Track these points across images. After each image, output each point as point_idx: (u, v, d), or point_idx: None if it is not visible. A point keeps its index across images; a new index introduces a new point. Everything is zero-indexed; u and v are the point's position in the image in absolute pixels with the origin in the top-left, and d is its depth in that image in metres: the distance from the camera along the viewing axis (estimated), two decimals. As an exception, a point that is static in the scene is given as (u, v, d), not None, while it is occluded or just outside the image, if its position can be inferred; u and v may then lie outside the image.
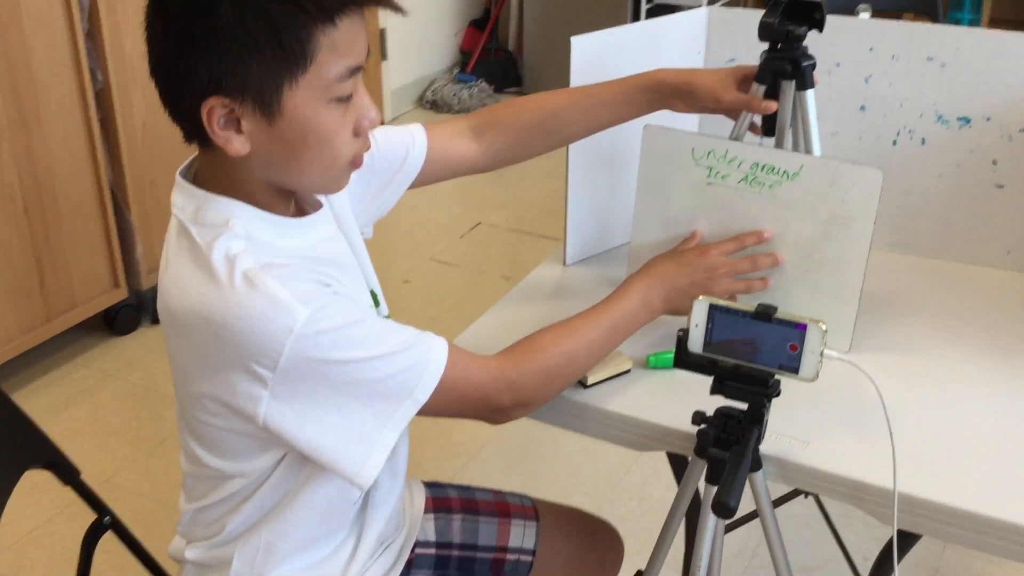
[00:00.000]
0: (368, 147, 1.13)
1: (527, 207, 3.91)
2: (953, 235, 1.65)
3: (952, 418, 1.29)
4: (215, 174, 1.09)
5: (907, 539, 1.55)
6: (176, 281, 1.07)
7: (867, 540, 2.19)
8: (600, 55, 1.54)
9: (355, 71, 1.04)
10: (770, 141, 1.46)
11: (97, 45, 2.74)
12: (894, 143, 1.63)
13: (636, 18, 4.43)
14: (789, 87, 1.39)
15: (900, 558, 1.58)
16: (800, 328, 1.13)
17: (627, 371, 1.37)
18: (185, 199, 1.10)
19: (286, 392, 1.03)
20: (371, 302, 1.24)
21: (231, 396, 1.04)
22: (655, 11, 4.56)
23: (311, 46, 1.00)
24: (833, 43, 1.60)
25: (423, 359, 1.09)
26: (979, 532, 1.13)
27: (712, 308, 1.16)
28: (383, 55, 4.46)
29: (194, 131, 1.05)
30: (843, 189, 1.35)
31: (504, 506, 1.48)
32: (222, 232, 1.05)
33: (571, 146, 1.56)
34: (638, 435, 1.32)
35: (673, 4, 4.67)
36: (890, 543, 1.63)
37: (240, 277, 1.01)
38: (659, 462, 2.12)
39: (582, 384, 1.35)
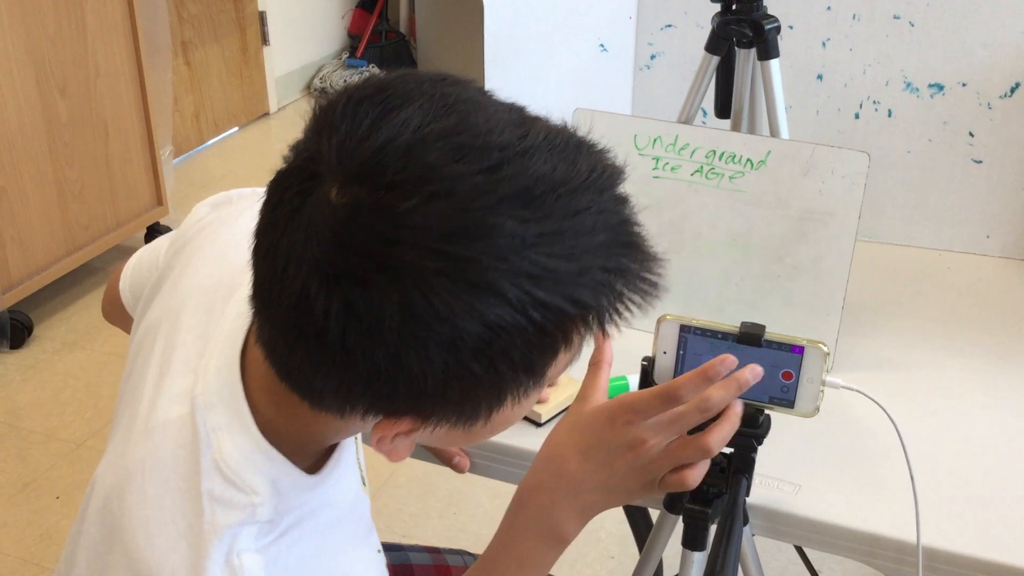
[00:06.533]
0: None
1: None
2: (925, 219, 1.45)
3: (967, 450, 1.08)
4: (288, 412, 0.73)
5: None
6: (146, 527, 0.73)
7: None
8: (516, 20, 1.30)
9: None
10: (725, 124, 1.23)
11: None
12: (856, 116, 1.42)
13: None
14: (748, 56, 1.16)
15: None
16: (796, 352, 0.91)
17: None
18: (224, 404, 0.74)
19: None
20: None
21: None
22: (553, -14, 4.33)
23: (557, 361, 0.69)
24: (783, 1, 1.38)
25: None
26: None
27: (683, 330, 0.93)
28: (264, 40, 4.13)
29: (318, 406, 0.69)
30: (820, 178, 1.13)
31: (445, 570, 1.23)
32: (238, 516, 0.71)
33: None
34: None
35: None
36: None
37: None
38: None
39: (535, 423, 1.10)
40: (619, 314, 0.66)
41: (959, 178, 1.42)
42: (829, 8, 1.37)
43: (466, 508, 2.25)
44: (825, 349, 0.90)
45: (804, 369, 0.90)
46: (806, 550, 1.68)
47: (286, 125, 4.20)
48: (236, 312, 0.79)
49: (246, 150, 4.01)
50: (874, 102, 1.41)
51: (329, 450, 0.81)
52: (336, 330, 0.61)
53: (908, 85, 1.39)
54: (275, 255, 0.63)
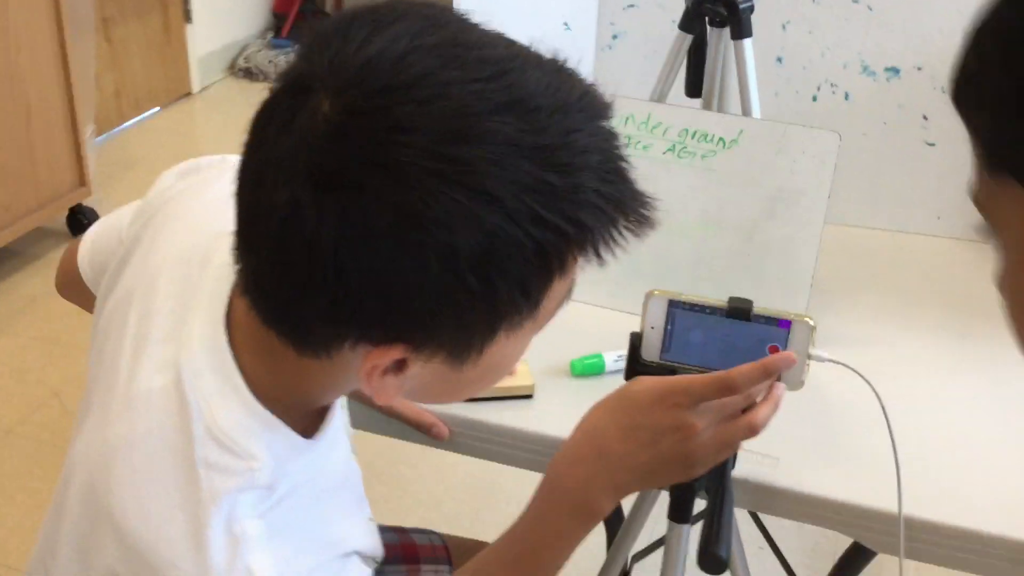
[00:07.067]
0: None
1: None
2: (879, 201, 1.48)
3: (939, 422, 1.11)
4: (275, 367, 0.72)
5: (864, 554, 1.39)
6: (137, 501, 0.70)
7: (801, 553, 2.02)
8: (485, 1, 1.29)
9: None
10: (696, 103, 1.24)
11: None
12: (814, 99, 1.45)
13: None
14: (721, 36, 1.17)
15: (857, 573, 1.43)
16: (783, 326, 0.92)
17: (528, 396, 1.13)
18: (212, 370, 0.72)
19: None
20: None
21: None
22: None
23: (551, 289, 0.67)
24: (745, -16, 1.39)
25: None
26: (992, 556, 0.96)
27: (672, 304, 0.94)
28: (187, 18, 4.03)
29: (304, 344, 0.67)
30: (791, 158, 1.14)
31: (412, 549, 1.22)
32: (238, 479, 0.69)
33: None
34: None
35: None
36: (840, 559, 1.47)
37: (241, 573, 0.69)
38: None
39: None
40: (615, 241, 0.65)
41: (912, 161, 1.46)
42: (790, -9, 1.39)
43: (412, 492, 2.23)
44: (811, 323, 0.91)
45: (791, 343, 0.92)
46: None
47: (209, 105, 4.11)
48: (215, 277, 0.76)
49: (168, 130, 3.91)
50: (832, 85, 1.44)
51: (319, 416, 0.79)
52: (328, 241, 0.59)
53: (865, 68, 1.42)
54: (262, 174, 0.62)
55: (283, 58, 4.33)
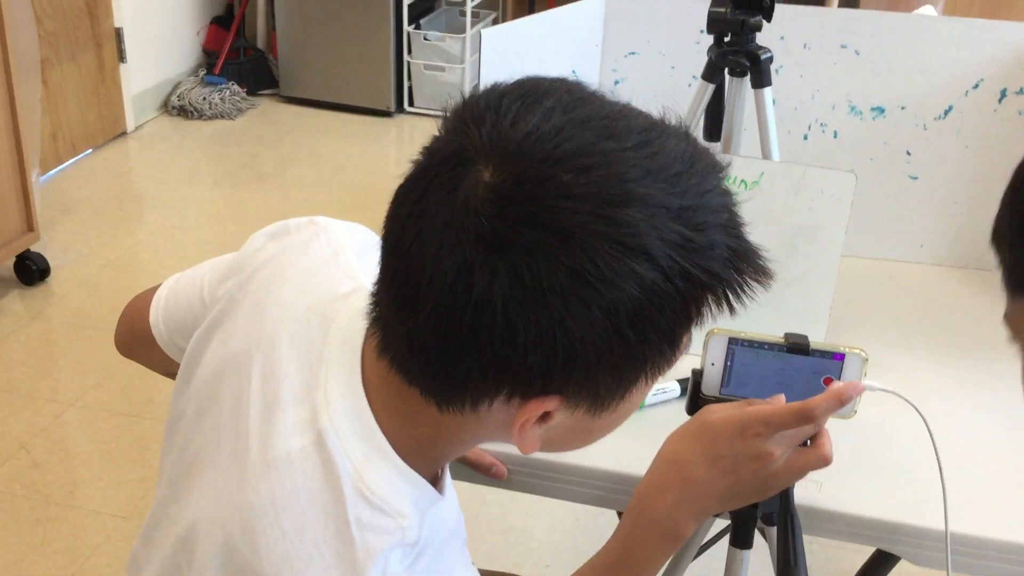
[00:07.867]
0: None
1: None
2: (866, 231, 1.57)
3: (970, 440, 1.19)
4: (412, 425, 0.75)
5: (886, 563, 1.47)
6: (290, 562, 0.72)
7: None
8: (508, 47, 1.34)
9: None
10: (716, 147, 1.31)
11: None
12: (805, 137, 1.53)
13: (399, 9, 4.20)
14: (740, 84, 1.25)
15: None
16: (837, 359, 0.98)
17: None
18: (355, 431, 0.75)
19: None
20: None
21: None
22: (418, 4, 4.36)
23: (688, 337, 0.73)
24: (740, 32, 1.47)
25: None
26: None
27: (732, 342, 1.00)
28: (121, 58, 3.98)
29: (453, 400, 0.71)
30: (810, 196, 1.22)
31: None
32: (390, 538, 0.73)
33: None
34: (621, 492, 1.13)
35: (434, -2, 4.50)
36: (861, 569, 1.54)
37: None
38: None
39: None
40: (744, 291, 0.71)
41: (897, 193, 1.55)
42: (782, 38, 1.47)
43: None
44: (864, 355, 0.98)
45: (845, 374, 0.98)
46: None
47: (144, 144, 4.05)
48: (340, 340, 0.79)
49: (106, 170, 3.85)
50: (821, 124, 1.53)
51: (439, 469, 0.83)
52: (498, 299, 0.64)
53: (853, 108, 1.51)
54: (425, 241, 0.66)
55: (217, 95, 4.31)
